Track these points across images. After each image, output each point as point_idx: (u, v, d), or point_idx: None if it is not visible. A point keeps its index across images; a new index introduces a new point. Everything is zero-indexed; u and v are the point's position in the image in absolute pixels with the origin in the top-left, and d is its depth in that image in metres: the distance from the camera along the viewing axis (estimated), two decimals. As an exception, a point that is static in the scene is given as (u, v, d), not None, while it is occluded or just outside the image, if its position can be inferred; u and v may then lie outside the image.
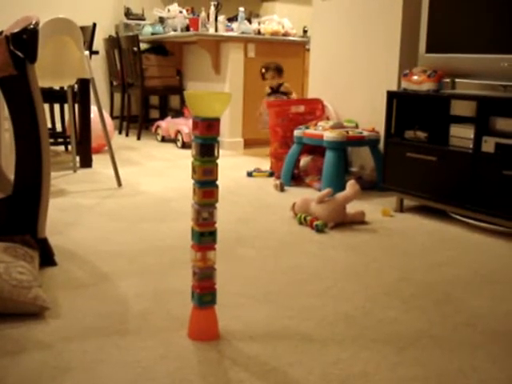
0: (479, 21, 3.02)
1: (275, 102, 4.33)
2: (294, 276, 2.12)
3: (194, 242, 1.69)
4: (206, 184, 1.67)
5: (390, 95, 3.30)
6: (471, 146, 2.88)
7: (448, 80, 3.17)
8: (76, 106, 4.36)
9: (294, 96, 4.77)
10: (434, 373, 1.57)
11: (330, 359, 1.61)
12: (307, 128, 3.90)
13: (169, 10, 6.36)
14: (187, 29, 6.02)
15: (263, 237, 2.68)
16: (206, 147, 1.65)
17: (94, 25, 4.41)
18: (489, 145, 2.81)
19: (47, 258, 2.28)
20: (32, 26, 2.13)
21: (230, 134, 5.53)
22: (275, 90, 4.73)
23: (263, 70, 4.70)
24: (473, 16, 3.05)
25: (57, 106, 5.17)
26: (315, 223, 2.89)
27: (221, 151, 5.44)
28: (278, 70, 4.70)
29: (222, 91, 1.63)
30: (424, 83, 3.12)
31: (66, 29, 3.43)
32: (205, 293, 1.70)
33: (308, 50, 5.37)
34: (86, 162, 4.41)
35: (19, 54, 2.10)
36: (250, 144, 5.61)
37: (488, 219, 2.88)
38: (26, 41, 2.11)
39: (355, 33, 4.09)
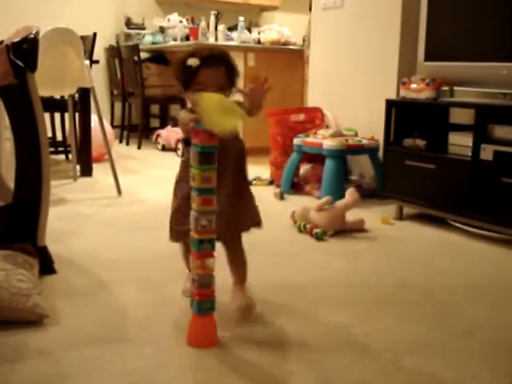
0: (478, 29, 3.03)
1: (275, 110, 4.33)
2: (293, 284, 2.13)
3: (193, 250, 1.70)
4: (205, 192, 1.67)
5: (389, 103, 3.31)
6: (470, 154, 2.88)
7: (446, 88, 3.18)
8: (76, 114, 4.37)
9: None
10: (432, 381, 1.58)
11: (328, 367, 1.61)
12: (307, 136, 3.91)
13: (169, 20, 6.38)
14: (187, 38, 6.04)
15: (263, 244, 2.69)
16: (206, 155, 1.65)
17: (95, 34, 4.43)
18: (487, 152, 2.81)
19: (47, 266, 2.28)
20: (32, 36, 2.14)
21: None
22: None
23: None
24: (471, 24, 3.06)
25: (57, 115, 5.18)
26: (315, 231, 2.89)
27: (221, 160, 5.45)
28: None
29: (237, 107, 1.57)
30: (423, 91, 3.13)
31: (66, 38, 3.45)
32: (204, 300, 1.71)
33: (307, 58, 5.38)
34: (87, 171, 4.42)
35: (20, 63, 2.11)
36: (250, 153, 5.57)
37: (487, 227, 2.88)
38: (26, 50, 2.12)
39: (354, 41, 4.11)
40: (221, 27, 5.84)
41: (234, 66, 1.84)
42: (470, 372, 1.62)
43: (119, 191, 3.83)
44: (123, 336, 1.80)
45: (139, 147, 6.08)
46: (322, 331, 1.86)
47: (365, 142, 3.81)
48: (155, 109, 6.93)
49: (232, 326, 1.87)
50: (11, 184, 2.29)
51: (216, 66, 1.78)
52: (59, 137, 5.17)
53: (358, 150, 3.80)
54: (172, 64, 1.76)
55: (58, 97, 4.47)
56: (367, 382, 1.55)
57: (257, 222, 1.95)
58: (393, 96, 3.62)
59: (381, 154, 3.61)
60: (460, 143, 2.99)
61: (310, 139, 3.85)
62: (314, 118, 4.30)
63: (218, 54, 1.81)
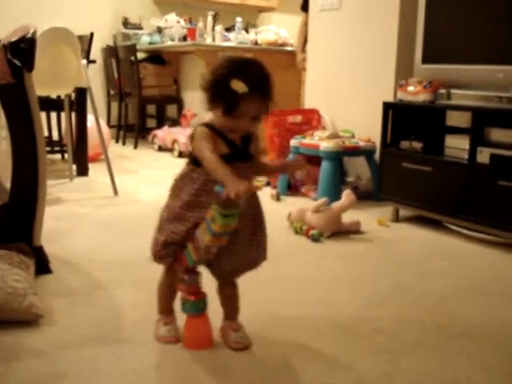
0: (475, 32, 3.04)
1: (272, 111, 4.33)
2: (289, 285, 2.13)
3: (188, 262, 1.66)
4: (222, 235, 1.56)
5: (386, 106, 3.31)
6: (466, 157, 2.89)
7: (443, 91, 3.19)
8: (73, 114, 4.37)
9: None
10: (429, 382, 1.58)
11: (325, 368, 1.61)
12: (304, 138, 3.91)
13: (166, 20, 6.38)
14: (184, 38, 6.04)
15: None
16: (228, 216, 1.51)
17: (92, 34, 4.42)
18: (484, 155, 2.82)
19: (42, 266, 2.28)
20: (30, 35, 2.14)
21: (226, 144, 5.54)
22: None
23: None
24: (468, 27, 3.07)
25: (54, 115, 5.17)
26: (311, 232, 2.89)
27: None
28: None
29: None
30: (420, 94, 3.13)
31: (63, 38, 3.44)
32: (200, 299, 1.71)
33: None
34: (83, 171, 4.41)
35: (17, 62, 2.11)
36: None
37: (483, 229, 2.88)
38: (23, 49, 2.12)
39: (351, 43, 4.11)
40: (218, 28, 5.84)
41: (272, 90, 1.63)
42: (465, 373, 1.62)
43: (115, 191, 3.83)
44: (119, 336, 1.79)
45: (135, 147, 6.07)
46: (319, 332, 1.86)
47: (361, 143, 3.81)
48: (152, 109, 6.92)
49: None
50: (7, 183, 2.28)
51: (259, 97, 1.57)
52: (55, 136, 5.16)
53: (354, 151, 3.81)
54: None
55: (54, 96, 4.46)
56: (366, 383, 1.56)
57: (264, 257, 1.75)
58: (390, 98, 3.62)
59: (377, 155, 3.62)
60: (456, 146, 2.99)
61: (307, 141, 3.85)
62: (311, 120, 4.30)
63: (264, 79, 1.61)
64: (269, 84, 1.62)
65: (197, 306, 1.71)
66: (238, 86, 1.53)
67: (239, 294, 1.79)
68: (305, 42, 4.77)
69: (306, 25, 4.78)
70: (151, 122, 6.90)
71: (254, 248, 1.70)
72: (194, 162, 1.63)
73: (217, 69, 1.60)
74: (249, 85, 1.54)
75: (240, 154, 1.63)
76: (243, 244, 1.67)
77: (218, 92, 1.57)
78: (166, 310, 1.82)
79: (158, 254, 1.72)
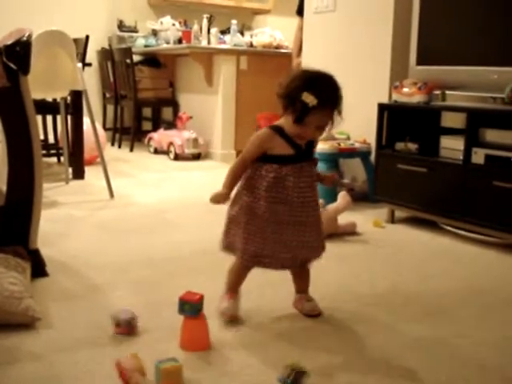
0: (469, 33, 3.05)
1: (267, 114, 4.34)
2: (284, 286, 2.12)
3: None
4: None
5: (381, 107, 3.32)
6: (461, 158, 2.90)
7: (438, 92, 3.20)
8: (69, 117, 4.37)
9: None
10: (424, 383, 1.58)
11: (319, 369, 1.62)
12: (299, 140, 3.91)
13: (162, 23, 6.38)
14: (180, 41, 6.04)
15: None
16: None
17: (87, 37, 4.42)
18: (479, 156, 2.83)
19: (39, 269, 2.27)
20: (25, 38, 2.14)
21: (222, 146, 5.54)
22: None
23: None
24: (463, 29, 3.08)
25: (49, 118, 5.16)
26: (307, 234, 2.89)
27: (212, 163, 5.47)
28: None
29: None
30: (414, 95, 3.14)
31: (58, 41, 3.45)
32: (201, 300, 1.73)
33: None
34: (79, 174, 4.41)
35: (12, 65, 2.11)
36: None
37: (478, 230, 2.89)
38: (19, 53, 2.12)
39: (346, 45, 4.12)
40: (213, 30, 5.84)
41: (341, 103, 1.84)
42: (461, 374, 1.63)
43: (111, 194, 3.83)
44: (116, 339, 1.79)
45: (131, 150, 6.07)
46: (314, 334, 1.87)
47: (357, 145, 3.82)
48: (147, 112, 6.92)
49: (223, 329, 1.87)
50: (3, 186, 2.28)
51: (327, 111, 1.78)
52: (51, 139, 5.16)
53: (350, 153, 3.82)
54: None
55: (50, 99, 4.46)
56: (358, 383, 1.56)
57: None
58: (385, 100, 3.63)
59: (373, 157, 3.63)
60: (451, 147, 3.00)
61: (303, 142, 3.85)
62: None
63: (334, 94, 1.80)
64: (338, 98, 1.81)
65: (197, 307, 1.72)
66: (309, 99, 1.72)
67: (309, 271, 2.02)
68: (300, 46, 4.77)
69: (301, 29, 4.78)
70: (147, 125, 6.90)
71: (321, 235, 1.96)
72: (261, 159, 1.85)
73: (293, 79, 1.79)
74: (319, 98, 1.73)
75: (304, 155, 1.87)
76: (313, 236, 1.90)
77: (290, 102, 1.77)
78: (232, 288, 1.98)
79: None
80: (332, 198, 3.22)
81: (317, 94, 1.73)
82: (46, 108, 4.43)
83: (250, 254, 1.88)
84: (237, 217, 1.91)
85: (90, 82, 5.64)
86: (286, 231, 1.85)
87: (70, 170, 4.40)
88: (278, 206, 1.84)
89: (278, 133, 1.84)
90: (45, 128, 5.17)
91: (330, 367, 1.63)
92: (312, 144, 1.90)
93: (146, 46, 6.38)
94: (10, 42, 2.11)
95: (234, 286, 1.99)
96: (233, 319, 1.92)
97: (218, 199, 1.85)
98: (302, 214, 1.86)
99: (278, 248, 1.86)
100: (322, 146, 3.66)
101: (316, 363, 1.62)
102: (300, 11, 4.95)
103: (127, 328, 1.80)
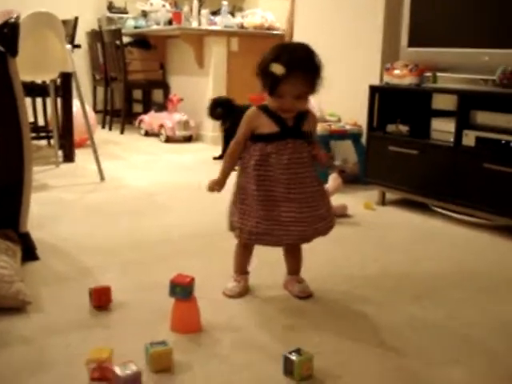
0: (460, 15, 3.04)
1: (258, 95, 4.32)
2: (276, 269, 2.13)
3: None
4: None
5: (373, 89, 3.31)
6: (452, 140, 2.90)
7: (429, 74, 3.19)
8: (58, 99, 4.34)
9: None
10: (417, 362, 1.59)
11: (310, 349, 1.62)
12: (290, 122, 3.91)
13: (152, 4, 6.32)
14: (170, 23, 5.99)
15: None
16: None
17: (76, 18, 4.38)
18: (469, 138, 2.83)
19: (29, 253, 2.27)
20: (13, 20, 2.12)
21: (213, 128, 5.52)
22: None
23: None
24: (454, 10, 3.07)
25: (39, 100, 5.13)
26: (298, 217, 2.90)
27: (203, 145, 5.45)
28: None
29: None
30: (406, 77, 3.14)
31: (47, 22, 3.41)
32: (192, 283, 1.73)
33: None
34: (69, 157, 4.39)
35: (0, 48, 2.09)
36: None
37: (469, 212, 2.90)
38: (7, 35, 2.10)
39: (338, 27, 4.10)
40: (204, 11, 5.79)
41: (318, 69, 1.84)
42: (451, 355, 1.64)
43: (102, 177, 3.82)
44: (106, 322, 1.80)
45: (122, 132, 6.04)
46: (305, 315, 1.88)
47: (348, 127, 3.82)
48: (138, 94, 6.88)
49: (214, 312, 1.87)
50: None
51: (297, 77, 1.77)
52: (41, 122, 5.13)
53: (341, 135, 3.81)
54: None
55: (39, 81, 4.42)
56: (348, 365, 1.57)
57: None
58: (376, 82, 3.62)
59: (364, 139, 3.62)
60: (442, 129, 3.00)
61: (294, 125, 3.85)
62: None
63: (301, 61, 1.79)
64: (310, 64, 1.81)
65: (188, 289, 1.72)
66: (278, 68, 1.73)
67: (301, 253, 2.05)
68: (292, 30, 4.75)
69: (292, 14, 4.76)
70: (137, 107, 6.87)
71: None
72: (251, 138, 1.89)
73: (264, 55, 1.82)
74: (287, 67, 1.73)
75: (290, 131, 1.85)
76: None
77: (263, 76, 1.80)
78: (239, 270, 2.04)
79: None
80: (323, 180, 3.21)
81: (285, 63, 1.74)
82: (36, 90, 4.39)
83: (246, 232, 1.90)
84: (234, 197, 1.94)
85: (79, 63, 5.59)
86: (276, 208, 1.85)
87: (60, 152, 4.38)
88: (266, 183, 1.85)
89: (264, 110, 1.86)
90: (34, 110, 5.14)
91: (320, 348, 1.64)
92: (302, 119, 1.89)
93: (135, 28, 6.33)
94: (-3, 24, 2.09)
95: (237, 267, 2.04)
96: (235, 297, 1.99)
97: (212, 187, 1.91)
98: (291, 190, 1.85)
99: (271, 225, 1.86)
100: (313, 129, 3.65)
101: (307, 344, 1.63)
102: None
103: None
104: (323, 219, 1.93)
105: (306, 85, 1.81)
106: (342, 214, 3.07)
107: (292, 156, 1.86)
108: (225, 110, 4.44)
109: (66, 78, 4.19)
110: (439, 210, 3.10)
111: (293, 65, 1.75)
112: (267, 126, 1.85)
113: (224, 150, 4.16)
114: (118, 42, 5.90)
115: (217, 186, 1.91)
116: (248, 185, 1.88)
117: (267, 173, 1.85)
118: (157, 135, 5.71)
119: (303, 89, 1.80)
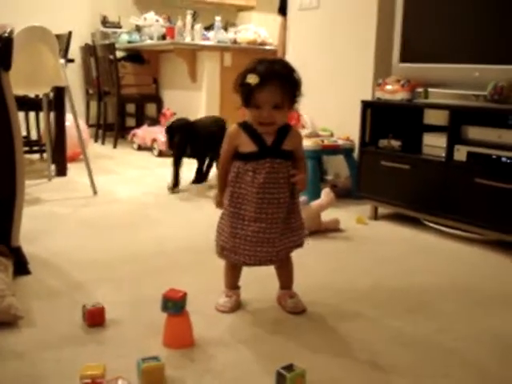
0: (452, 31, 3.07)
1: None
2: (267, 283, 2.13)
3: None
4: None
5: (365, 104, 3.33)
6: (444, 155, 2.92)
7: (421, 89, 3.22)
8: (51, 114, 4.34)
9: None
10: (406, 378, 1.59)
11: (301, 365, 1.62)
12: (283, 136, 3.91)
13: (145, 19, 6.36)
14: (164, 37, 6.02)
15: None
16: None
17: (70, 33, 4.39)
18: (461, 153, 2.85)
19: (21, 267, 2.26)
20: (6, 34, 2.13)
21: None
22: None
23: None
24: (445, 27, 3.10)
25: (32, 114, 5.13)
26: (291, 231, 2.90)
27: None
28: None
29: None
30: (398, 92, 3.16)
31: (41, 37, 3.42)
32: (184, 298, 1.72)
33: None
34: (61, 171, 4.38)
35: (-7, 61, 2.10)
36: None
37: (461, 226, 2.91)
38: (0, 49, 2.10)
39: (330, 42, 4.13)
40: (197, 27, 5.83)
41: (296, 81, 1.86)
42: (441, 370, 1.64)
43: (94, 191, 3.81)
44: (99, 337, 1.79)
45: (115, 146, 6.05)
46: (296, 331, 1.87)
47: (340, 142, 3.83)
48: (131, 108, 6.89)
49: (207, 327, 1.87)
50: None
51: (272, 85, 1.78)
52: (34, 136, 5.13)
53: (333, 150, 3.83)
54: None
55: (32, 96, 4.43)
56: (340, 380, 1.56)
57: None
58: (368, 97, 3.65)
59: (356, 154, 3.64)
60: (434, 144, 3.02)
61: (286, 139, 3.86)
62: (290, 119, 4.31)
63: (276, 71, 1.81)
64: (285, 74, 1.83)
65: (180, 304, 1.72)
66: (251, 78, 1.76)
67: (292, 267, 2.05)
68: (284, 45, 4.77)
69: (284, 28, 4.79)
70: (130, 121, 6.88)
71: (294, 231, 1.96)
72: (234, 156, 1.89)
73: (240, 72, 1.83)
74: (261, 76, 1.76)
75: (269, 151, 1.85)
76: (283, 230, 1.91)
77: (239, 89, 1.81)
78: (229, 285, 2.04)
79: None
80: (316, 194, 3.23)
81: (259, 73, 1.76)
82: (29, 104, 4.40)
83: (219, 246, 1.94)
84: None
85: (72, 78, 5.61)
86: (245, 227, 1.86)
87: (53, 166, 4.37)
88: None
89: (243, 127, 1.86)
90: (27, 124, 5.15)
91: (312, 363, 1.64)
92: (282, 138, 1.88)
93: (129, 42, 6.35)
94: (-9, 38, 2.10)
95: (228, 282, 2.05)
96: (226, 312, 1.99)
97: (215, 204, 1.98)
98: (262, 210, 1.85)
99: (237, 244, 1.87)
100: (305, 143, 3.66)
101: (300, 360, 1.63)
102: (282, 10, 4.96)
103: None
104: (294, 231, 1.95)
105: (281, 94, 1.80)
106: (335, 228, 3.08)
107: (268, 176, 1.84)
108: (183, 135, 4.04)
109: (59, 92, 4.20)
110: (431, 224, 3.12)
111: (267, 74, 1.77)
112: (246, 145, 1.85)
113: (176, 174, 3.97)
114: (111, 57, 5.91)
115: (216, 202, 1.97)
116: (224, 200, 1.92)
117: (240, 190, 1.86)
118: (150, 149, 5.71)
119: (278, 97, 1.79)
